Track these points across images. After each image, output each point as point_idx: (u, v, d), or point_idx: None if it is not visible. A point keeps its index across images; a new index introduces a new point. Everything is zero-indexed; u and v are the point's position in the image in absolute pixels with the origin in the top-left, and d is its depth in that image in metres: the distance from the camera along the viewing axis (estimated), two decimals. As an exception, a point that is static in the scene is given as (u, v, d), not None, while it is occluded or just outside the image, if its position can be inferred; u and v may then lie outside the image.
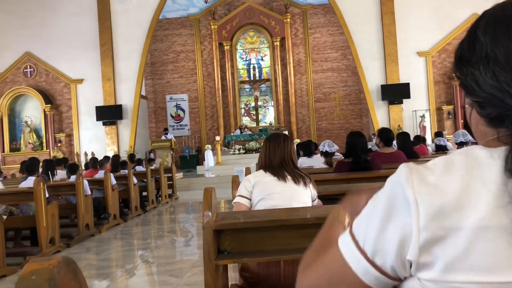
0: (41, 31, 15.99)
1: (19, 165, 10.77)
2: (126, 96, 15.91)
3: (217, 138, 16.59)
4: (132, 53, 15.79)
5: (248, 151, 16.44)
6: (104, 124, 15.86)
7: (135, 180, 9.12)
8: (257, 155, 2.97)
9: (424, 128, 15.40)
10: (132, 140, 15.82)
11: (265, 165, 2.72)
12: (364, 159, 4.11)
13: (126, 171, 9.20)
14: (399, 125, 14.81)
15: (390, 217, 0.71)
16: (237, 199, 2.61)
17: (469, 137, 5.58)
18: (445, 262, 0.67)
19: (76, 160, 14.69)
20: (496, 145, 0.71)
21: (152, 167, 10.95)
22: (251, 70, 20.83)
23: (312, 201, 2.75)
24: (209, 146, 16.51)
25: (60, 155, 14.53)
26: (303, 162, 6.13)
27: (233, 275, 3.59)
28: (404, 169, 0.73)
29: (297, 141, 13.44)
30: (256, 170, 2.84)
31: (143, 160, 11.93)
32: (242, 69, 21.01)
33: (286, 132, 17.12)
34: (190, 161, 19.24)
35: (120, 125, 16.00)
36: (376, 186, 0.82)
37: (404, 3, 15.24)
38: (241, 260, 1.95)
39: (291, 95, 20.17)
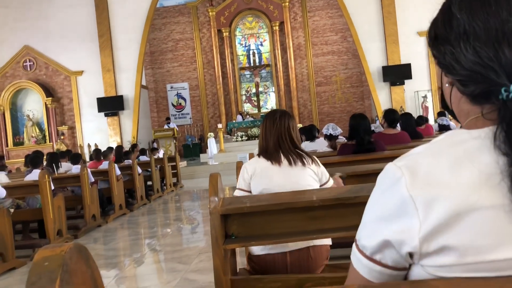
0: (38, 24, 15.91)
1: (23, 159, 10.82)
2: (127, 86, 15.88)
3: (219, 125, 16.59)
4: (130, 43, 15.72)
5: (250, 137, 16.45)
6: (106, 115, 15.87)
7: (139, 170, 9.16)
8: (260, 141, 2.85)
9: (426, 108, 15.35)
10: (135, 130, 15.84)
11: (262, 149, 2.60)
12: (368, 141, 4.11)
13: (130, 161, 9.23)
14: (401, 106, 14.75)
15: (385, 216, 0.72)
16: (236, 193, 2.57)
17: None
18: (447, 248, 0.67)
19: (79, 152, 14.72)
20: (480, 125, 0.70)
21: (156, 157, 10.98)
22: (251, 56, 20.72)
23: (322, 183, 2.54)
24: (212, 134, 16.51)
25: (63, 147, 14.56)
26: (306, 146, 6.12)
27: (241, 260, 3.62)
28: (392, 169, 0.73)
29: (299, 126, 13.43)
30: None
31: (147, 150, 11.95)
32: (242, 55, 20.90)
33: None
34: (193, 149, 19.29)
35: (122, 116, 16.00)
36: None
37: (403, -17, 15.07)
38: (249, 244, 1.96)
39: (292, 80, 20.08)
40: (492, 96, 0.68)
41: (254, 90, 20.62)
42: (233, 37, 20.59)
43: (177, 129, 16.96)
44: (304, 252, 2.29)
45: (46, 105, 15.77)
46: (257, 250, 2.34)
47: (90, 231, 6.75)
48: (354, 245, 0.78)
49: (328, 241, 2.38)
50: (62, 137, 15.68)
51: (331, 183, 2.58)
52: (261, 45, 20.83)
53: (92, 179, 7.13)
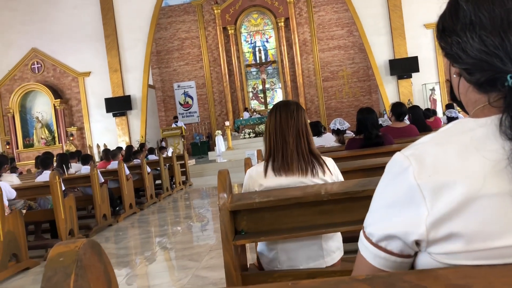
0: (45, 26, 16.03)
1: (34, 161, 10.93)
2: (134, 86, 15.96)
3: (227, 123, 16.61)
4: (137, 43, 15.78)
5: (258, 134, 16.46)
6: (114, 115, 15.96)
7: (148, 169, 9.21)
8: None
9: (434, 101, 15.25)
10: (143, 130, 15.91)
11: (273, 151, 2.18)
12: (376, 135, 4.10)
13: (139, 160, 9.29)
14: (409, 100, 14.67)
15: (393, 204, 0.73)
16: None
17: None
18: (454, 235, 0.68)
19: (89, 152, 14.83)
20: (487, 113, 0.72)
21: (164, 155, 11.03)
22: (257, 52, 20.70)
23: None
24: (219, 131, 16.55)
25: (73, 148, 14.69)
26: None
27: (251, 256, 3.64)
28: (399, 158, 0.74)
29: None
30: (264, 154, 2.30)
31: (155, 149, 12.02)
32: (248, 52, 20.89)
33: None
34: (201, 147, 19.34)
35: (130, 116, 16.09)
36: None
37: (409, -25, 14.97)
38: (259, 239, 1.97)
39: (299, 76, 20.04)
40: (497, 83, 0.69)
41: (260, 87, 20.61)
42: (239, 35, 20.58)
43: (185, 127, 17.02)
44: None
45: (54, 106, 15.89)
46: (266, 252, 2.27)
47: (101, 230, 6.81)
48: (361, 232, 0.80)
49: (338, 256, 2.26)
50: (71, 138, 15.81)
51: None
52: (267, 41, 20.80)
53: (102, 179, 7.19)
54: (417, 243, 0.72)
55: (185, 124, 17.87)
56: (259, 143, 14.33)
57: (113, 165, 8.31)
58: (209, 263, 4.43)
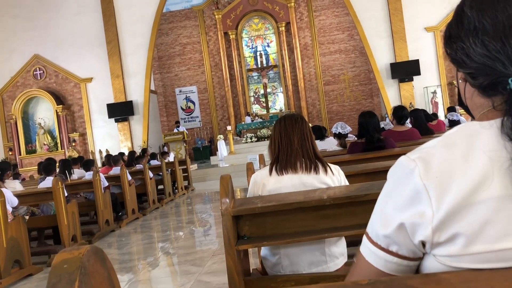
0: (47, 33, 16.11)
1: (36, 167, 10.95)
2: (136, 91, 16.00)
3: (229, 127, 16.64)
4: (138, 49, 15.84)
5: (260, 138, 16.47)
6: (116, 121, 16.00)
7: (150, 174, 9.22)
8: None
9: (436, 104, 15.25)
10: (145, 135, 15.94)
11: (278, 152, 2.30)
12: (377, 139, 4.10)
13: (141, 165, 9.30)
14: (410, 103, 14.67)
15: (399, 205, 0.74)
16: None
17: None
18: (457, 236, 0.69)
19: (91, 158, 14.85)
20: (491, 117, 0.73)
21: (166, 160, 11.04)
22: (258, 57, 20.74)
23: None
24: (221, 136, 16.56)
25: (75, 154, 14.72)
26: (315, 145, 6.12)
27: (253, 261, 3.63)
28: (405, 161, 0.75)
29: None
30: (270, 158, 2.40)
31: (157, 154, 12.03)
32: (249, 57, 20.93)
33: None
34: (203, 152, 19.35)
35: (132, 121, 16.12)
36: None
37: (409, -21, 15.00)
38: (261, 244, 1.97)
39: (300, 80, 20.06)
40: (499, 87, 0.71)
41: (262, 91, 20.63)
42: (240, 39, 20.64)
43: (187, 132, 17.04)
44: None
45: (57, 112, 15.94)
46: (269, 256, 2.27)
47: (104, 236, 6.81)
48: (365, 238, 0.80)
49: (342, 262, 2.25)
50: (73, 144, 15.84)
51: None
52: (268, 46, 20.84)
53: (106, 183, 7.20)
54: (423, 244, 0.72)
55: (187, 129, 17.89)
56: (261, 148, 14.34)
57: (115, 170, 8.32)
58: (211, 268, 4.43)
